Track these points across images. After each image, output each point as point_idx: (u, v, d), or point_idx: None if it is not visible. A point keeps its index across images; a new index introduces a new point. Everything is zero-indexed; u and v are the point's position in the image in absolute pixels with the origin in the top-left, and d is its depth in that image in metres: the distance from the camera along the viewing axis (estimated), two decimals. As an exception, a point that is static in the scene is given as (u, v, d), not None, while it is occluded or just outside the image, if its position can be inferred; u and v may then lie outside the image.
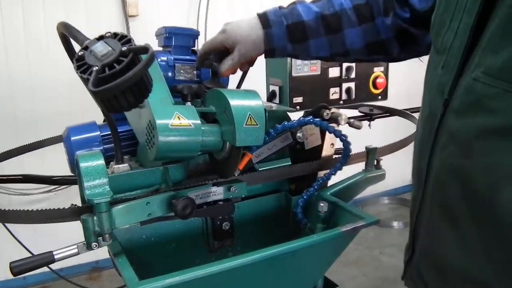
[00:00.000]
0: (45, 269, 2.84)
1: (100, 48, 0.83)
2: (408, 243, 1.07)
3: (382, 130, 3.04)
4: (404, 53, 1.25)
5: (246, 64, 1.27)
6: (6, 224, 2.85)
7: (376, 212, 4.67)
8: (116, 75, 0.78)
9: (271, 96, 1.81)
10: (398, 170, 4.97)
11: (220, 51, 1.26)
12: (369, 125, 2.35)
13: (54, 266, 3.02)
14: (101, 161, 1.05)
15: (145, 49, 0.82)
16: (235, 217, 1.30)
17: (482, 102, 0.76)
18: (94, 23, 3.22)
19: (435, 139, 0.87)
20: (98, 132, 1.44)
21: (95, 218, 0.99)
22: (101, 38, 0.87)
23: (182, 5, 3.52)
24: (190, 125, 1.06)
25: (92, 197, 0.99)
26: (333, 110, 1.32)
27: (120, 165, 1.23)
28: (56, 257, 0.99)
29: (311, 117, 1.24)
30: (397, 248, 3.90)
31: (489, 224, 0.77)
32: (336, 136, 1.25)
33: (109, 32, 0.86)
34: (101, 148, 1.40)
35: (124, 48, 0.82)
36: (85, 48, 0.86)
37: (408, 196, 4.99)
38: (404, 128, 2.00)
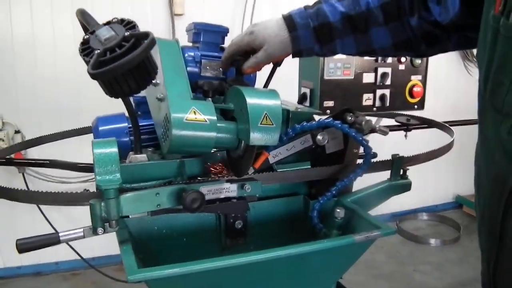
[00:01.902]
0: (76, 256, 2.94)
1: (105, 33, 0.84)
2: (486, 282, 1.04)
3: (420, 141, 2.95)
4: (431, 50, 1.22)
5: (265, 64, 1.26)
6: (42, 211, 2.97)
7: (414, 228, 4.52)
8: (116, 59, 0.79)
9: (302, 99, 1.78)
10: (440, 186, 4.85)
11: (246, 52, 1.26)
12: (405, 136, 2.28)
13: (85, 255, 3.13)
14: (114, 149, 1.05)
15: (146, 35, 0.82)
16: (249, 217, 1.28)
17: None
18: (141, 23, 3.28)
19: (507, 204, 0.87)
20: (126, 124, 1.47)
21: (102, 204, 1.00)
22: (108, 23, 0.88)
23: (228, 4, 3.54)
24: (206, 121, 1.06)
25: (101, 183, 1.00)
26: (358, 114, 1.28)
27: (138, 155, 1.24)
28: (61, 238, 1.01)
29: (331, 119, 1.21)
30: (432, 266, 3.76)
31: None
32: (356, 141, 1.21)
33: (116, 18, 0.87)
34: (128, 139, 1.42)
35: (127, 33, 0.83)
36: (92, 32, 0.87)
37: (448, 214, 4.82)
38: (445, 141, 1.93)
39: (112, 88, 0.84)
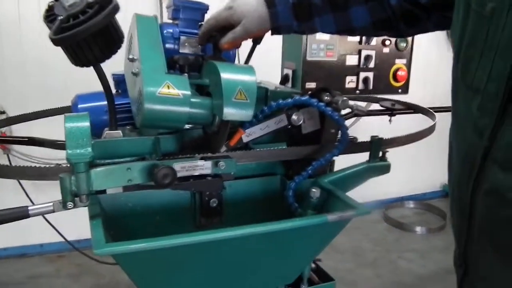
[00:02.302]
0: (62, 239, 2.92)
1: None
2: (458, 260, 1.04)
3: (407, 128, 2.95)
4: (411, 30, 1.21)
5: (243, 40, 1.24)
6: (28, 194, 2.95)
7: (400, 215, 4.55)
8: (78, 25, 0.77)
9: (284, 80, 1.77)
10: (428, 175, 4.86)
11: (224, 28, 1.23)
12: (390, 120, 2.28)
13: (71, 237, 3.12)
14: (86, 123, 1.03)
15: (110, 1, 0.81)
16: (225, 196, 1.27)
17: None
18: (130, 4, 3.24)
19: (476, 182, 0.88)
20: (106, 102, 1.45)
21: (73, 177, 0.99)
22: (74, -10, 0.86)
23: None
24: (179, 95, 1.04)
25: (71, 157, 0.98)
26: (335, 94, 1.27)
27: (112, 131, 1.22)
28: (30, 212, 0.99)
29: (307, 96, 1.19)
30: (417, 253, 3.79)
31: None
32: (332, 119, 1.20)
33: (80, -15, 0.85)
34: (108, 117, 1.40)
35: (91, 0, 0.81)
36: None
37: (435, 202, 4.85)
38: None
39: (76, 55, 0.82)
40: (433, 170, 4.76)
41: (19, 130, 3.12)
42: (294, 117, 1.23)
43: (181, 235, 0.96)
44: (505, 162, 0.80)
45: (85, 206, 1.04)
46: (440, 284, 3.32)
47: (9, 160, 3.26)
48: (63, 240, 3.11)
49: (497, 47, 0.78)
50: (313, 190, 1.20)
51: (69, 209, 1.01)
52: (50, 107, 2.04)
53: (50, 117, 2.01)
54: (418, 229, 4.23)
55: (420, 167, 4.80)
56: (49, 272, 3.37)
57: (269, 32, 1.23)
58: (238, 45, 1.25)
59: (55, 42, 0.78)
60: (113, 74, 1.50)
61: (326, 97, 1.24)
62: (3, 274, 3.31)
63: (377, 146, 1.40)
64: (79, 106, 1.45)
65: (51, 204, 1.02)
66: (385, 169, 1.43)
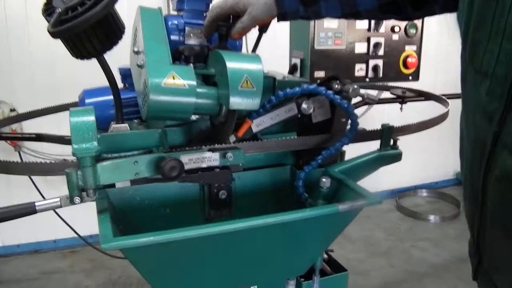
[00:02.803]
0: (74, 234, 2.93)
1: (67, -8, 0.80)
2: (471, 249, 1.03)
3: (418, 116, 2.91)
4: (417, 12, 1.18)
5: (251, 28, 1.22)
6: (37, 185, 2.95)
7: (413, 204, 4.51)
8: (77, 17, 0.76)
9: (292, 69, 1.74)
10: (441, 163, 4.81)
11: (229, 17, 1.22)
12: (401, 108, 2.24)
13: (83, 232, 3.13)
14: (92, 117, 1.02)
15: None
16: (234, 187, 1.25)
17: None
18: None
19: (487, 167, 0.85)
20: (111, 96, 1.44)
21: (79, 172, 0.98)
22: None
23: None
24: (185, 86, 1.03)
25: (77, 151, 0.97)
26: (345, 82, 1.24)
27: (119, 125, 1.21)
28: (37, 208, 0.99)
29: (315, 85, 1.17)
30: (430, 242, 3.75)
31: None
32: (342, 107, 1.18)
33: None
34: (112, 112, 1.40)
35: (88, -8, 0.79)
36: (55, -8, 0.83)
37: (448, 190, 4.80)
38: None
39: (76, 47, 0.81)
40: (446, 158, 4.72)
41: (29, 127, 3.15)
42: (304, 105, 1.21)
43: (190, 228, 0.94)
44: None
45: (93, 201, 1.03)
46: (454, 273, 3.28)
47: (21, 157, 3.26)
48: (76, 235, 3.12)
49: (504, 30, 0.75)
50: (323, 179, 1.18)
51: (76, 204, 1.00)
52: (59, 103, 2.03)
53: (59, 113, 2.01)
54: (432, 217, 4.20)
55: (433, 155, 4.75)
56: (62, 267, 3.39)
57: (276, 19, 1.21)
58: (246, 33, 1.22)
59: (54, 34, 0.77)
60: (119, 68, 1.49)
61: (336, 86, 1.22)
62: (17, 270, 3.34)
63: (388, 134, 1.37)
64: (86, 101, 1.45)
65: (58, 199, 1.01)
66: (397, 157, 1.41)
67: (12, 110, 3.25)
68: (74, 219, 2.99)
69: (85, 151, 0.97)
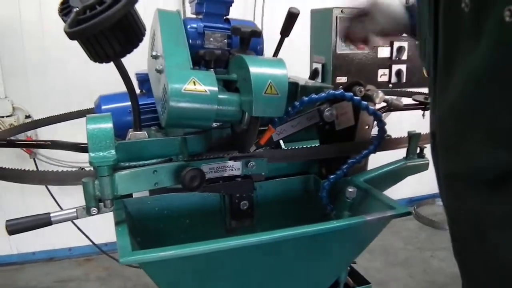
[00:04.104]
0: (89, 242, 2.90)
1: (84, -9, 0.76)
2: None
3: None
4: None
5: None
6: (54, 195, 2.94)
7: (432, 213, 4.41)
8: (95, 17, 0.71)
9: (313, 74, 1.69)
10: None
11: (358, 16, 1.22)
12: (423, 115, 2.18)
13: (99, 240, 3.11)
14: (109, 125, 0.99)
15: None
16: (256, 197, 1.21)
17: None
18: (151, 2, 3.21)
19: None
20: (130, 102, 1.41)
21: (96, 182, 0.94)
22: (88, -18, 0.80)
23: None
24: (206, 92, 0.98)
25: (94, 160, 0.93)
26: (369, 87, 1.19)
27: (137, 132, 1.17)
28: (53, 219, 0.95)
29: (341, 90, 1.12)
30: (449, 252, 3.57)
31: None
32: (369, 114, 1.12)
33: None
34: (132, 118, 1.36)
35: (107, -9, 0.75)
36: (72, -8, 0.79)
37: (468, 198, 4.68)
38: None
39: (94, 50, 0.76)
40: (465, 166, 4.60)
41: (45, 134, 3.13)
42: (326, 113, 1.15)
43: (211, 241, 0.90)
44: None
45: (110, 212, 0.99)
46: (476, 283, 3.18)
47: (36, 165, 3.26)
48: (91, 243, 3.10)
49: None
50: (349, 190, 1.13)
51: (93, 215, 0.96)
52: (74, 109, 2.00)
53: (75, 119, 1.98)
54: (451, 227, 4.09)
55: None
56: (77, 275, 3.36)
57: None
58: (367, 42, 1.24)
59: (71, 35, 0.73)
60: (136, 74, 1.45)
61: (359, 91, 1.17)
62: (32, 278, 3.31)
63: (415, 142, 1.32)
64: (103, 107, 1.42)
65: (74, 210, 0.97)
66: (423, 167, 1.35)
67: (28, 116, 3.23)
68: (89, 227, 2.96)
69: (102, 160, 0.94)
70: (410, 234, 3.98)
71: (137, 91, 1.51)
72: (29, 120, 3.22)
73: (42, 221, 0.94)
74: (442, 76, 0.81)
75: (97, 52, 0.77)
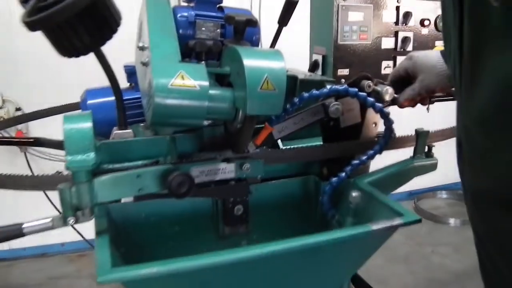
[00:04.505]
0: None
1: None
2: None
3: (444, 115, 2.75)
4: None
5: (426, 98, 1.21)
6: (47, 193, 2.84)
7: (433, 206, 4.34)
8: (58, 3, 0.60)
9: (313, 67, 1.59)
10: (460, 162, 4.61)
11: (402, 77, 1.18)
12: (428, 109, 2.08)
13: (91, 236, 3.02)
14: (88, 124, 0.89)
15: None
16: (251, 201, 1.11)
17: None
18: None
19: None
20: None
21: (73, 188, 0.84)
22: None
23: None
24: (195, 87, 0.88)
25: (71, 164, 0.84)
26: (377, 82, 1.09)
27: (121, 131, 1.07)
28: (25, 230, 0.85)
29: (345, 85, 1.02)
30: (451, 247, 3.58)
31: None
32: (376, 111, 1.03)
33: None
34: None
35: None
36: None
37: (469, 192, 4.60)
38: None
39: (60, 42, 0.66)
40: (465, 157, 4.52)
41: (36, 127, 3.03)
42: (332, 108, 1.05)
43: (199, 256, 0.80)
44: None
45: (90, 220, 0.89)
46: (477, 281, 3.11)
47: (27, 159, 3.17)
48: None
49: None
50: (353, 194, 1.04)
51: (70, 225, 0.87)
52: (67, 102, 1.90)
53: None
54: (452, 221, 4.02)
55: (452, 154, 4.54)
56: (69, 272, 3.28)
57: None
58: (416, 103, 1.20)
59: (30, 25, 0.62)
60: (125, 66, 1.37)
61: (367, 86, 1.07)
62: (22, 275, 3.23)
63: (423, 140, 1.23)
64: (88, 102, 1.33)
65: (50, 220, 0.87)
66: (432, 167, 1.26)
67: (18, 109, 3.13)
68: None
69: (80, 164, 0.84)
70: (411, 228, 3.85)
71: (126, 84, 1.42)
72: (19, 112, 3.12)
73: (13, 233, 0.84)
74: (468, 80, 0.72)
75: (64, 44, 0.67)
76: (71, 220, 0.86)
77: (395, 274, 3.25)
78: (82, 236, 2.97)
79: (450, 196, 4.60)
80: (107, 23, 0.69)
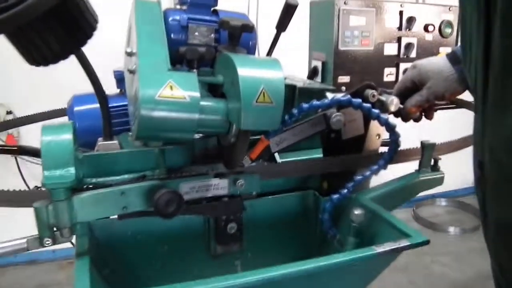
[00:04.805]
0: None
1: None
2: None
3: (449, 124, 2.69)
4: None
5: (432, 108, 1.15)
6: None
7: (432, 214, 4.27)
8: (19, 4, 0.53)
9: (312, 74, 1.52)
10: (459, 169, 4.52)
11: (408, 88, 1.13)
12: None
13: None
14: (68, 136, 0.82)
15: None
16: (245, 217, 1.04)
17: None
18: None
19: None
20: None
21: (50, 207, 0.77)
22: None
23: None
24: (185, 98, 0.81)
25: (48, 181, 0.76)
26: (382, 91, 1.03)
27: (106, 142, 1.00)
28: (-4, 252, 0.78)
29: (348, 96, 0.95)
30: (451, 257, 3.51)
31: None
32: (381, 124, 0.96)
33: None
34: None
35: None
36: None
37: (468, 199, 4.54)
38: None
39: (25, 48, 0.58)
40: (466, 164, 4.44)
41: (28, 131, 2.95)
42: (334, 119, 0.98)
43: (188, 284, 0.73)
44: None
45: (69, 241, 0.82)
46: (479, 291, 3.06)
47: (17, 163, 3.09)
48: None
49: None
50: (356, 213, 0.97)
51: (47, 246, 0.80)
52: (60, 106, 1.83)
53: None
54: (451, 229, 3.96)
55: (452, 161, 4.49)
56: (60, 279, 3.21)
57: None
58: (424, 109, 1.14)
59: None
60: (114, 71, 1.30)
61: (371, 95, 1.00)
62: (13, 282, 3.16)
63: (429, 153, 1.16)
64: (75, 109, 1.26)
65: (24, 241, 0.80)
66: (438, 181, 1.19)
67: (9, 112, 3.06)
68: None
69: (58, 181, 0.77)
70: (410, 237, 3.83)
71: (116, 90, 1.35)
72: (10, 116, 3.04)
73: (-18, 256, 0.77)
74: (498, 98, 0.65)
75: (29, 51, 0.59)
76: (47, 241, 0.79)
77: (395, 283, 3.18)
78: (73, 244, 2.89)
79: (450, 204, 4.54)
80: (79, 27, 0.62)
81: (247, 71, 0.81)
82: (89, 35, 0.64)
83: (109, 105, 1.26)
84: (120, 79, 1.30)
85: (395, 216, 0.99)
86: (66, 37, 0.60)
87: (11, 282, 3.17)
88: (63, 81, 3.01)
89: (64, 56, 0.63)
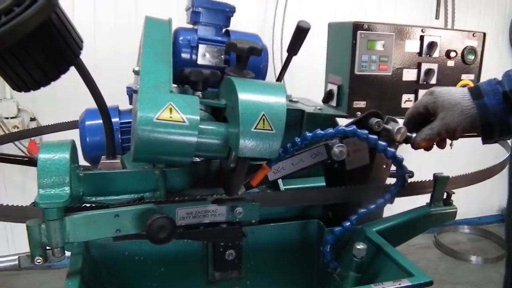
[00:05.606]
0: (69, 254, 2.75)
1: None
2: None
3: (469, 153, 2.62)
4: None
5: (444, 139, 1.06)
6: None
7: (453, 241, 4.15)
8: (2, 26, 0.52)
9: (327, 97, 1.48)
10: (484, 197, 4.42)
11: (421, 114, 1.04)
12: (451, 145, 1.96)
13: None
14: (65, 155, 0.81)
15: None
16: (246, 244, 1.01)
17: None
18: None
19: None
20: (117, 119, 1.27)
21: (43, 226, 0.76)
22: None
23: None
24: (184, 121, 0.79)
25: (42, 200, 0.76)
26: (388, 120, 0.99)
27: (109, 161, 0.99)
28: (-13, 268, 0.77)
29: (353, 126, 0.92)
30: (472, 286, 3.40)
31: None
32: (387, 158, 0.92)
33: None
34: (119, 137, 1.21)
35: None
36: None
37: (493, 228, 4.40)
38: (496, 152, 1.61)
39: (6, 75, 0.57)
40: (491, 191, 4.33)
41: (51, 136, 2.99)
42: (335, 149, 0.94)
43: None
44: None
45: (60, 261, 0.81)
46: (498, 324, 2.93)
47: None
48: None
49: None
50: (358, 247, 0.93)
51: (38, 264, 0.79)
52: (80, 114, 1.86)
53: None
54: (473, 258, 3.83)
55: (476, 187, 4.36)
56: (73, 287, 3.21)
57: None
58: (432, 144, 1.05)
59: None
60: (127, 87, 1.30)
61: (377, 125, 0.96)
62: (27, 287, 3.18)
63: (441, 186, 1.11)
64: (87, 123, 1.27)
65: (16, 258, 0.80)
66: (450, 216, 1.14)
67: (33, 119, 3.11)
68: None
69: (51, 201, 0.76)
70: (429, 264, 3.73)
71: (130, 106, 1.35)
72: (34, 122, 3.09)
73: (-29, 273, 0.76)
74: None
75: (10, 76, 0.58)
76: (38, 259, 0.78)
77: (410, 313, 3.08)
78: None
79: (473, 232, 4.40)
80: (59, 53, 0.60)
81: (248, 95, 0.79)
82: (70, 62, 0.63)
83: (121, 121, 1.27)
84: (132, 95, 1.30)
85: (399, 252, 0.95)
86: (47, 63, 0.59)
87: (25, 286, 3.19)
88: (83, 92, 3.06)
89: (45, 82, 0.62)
